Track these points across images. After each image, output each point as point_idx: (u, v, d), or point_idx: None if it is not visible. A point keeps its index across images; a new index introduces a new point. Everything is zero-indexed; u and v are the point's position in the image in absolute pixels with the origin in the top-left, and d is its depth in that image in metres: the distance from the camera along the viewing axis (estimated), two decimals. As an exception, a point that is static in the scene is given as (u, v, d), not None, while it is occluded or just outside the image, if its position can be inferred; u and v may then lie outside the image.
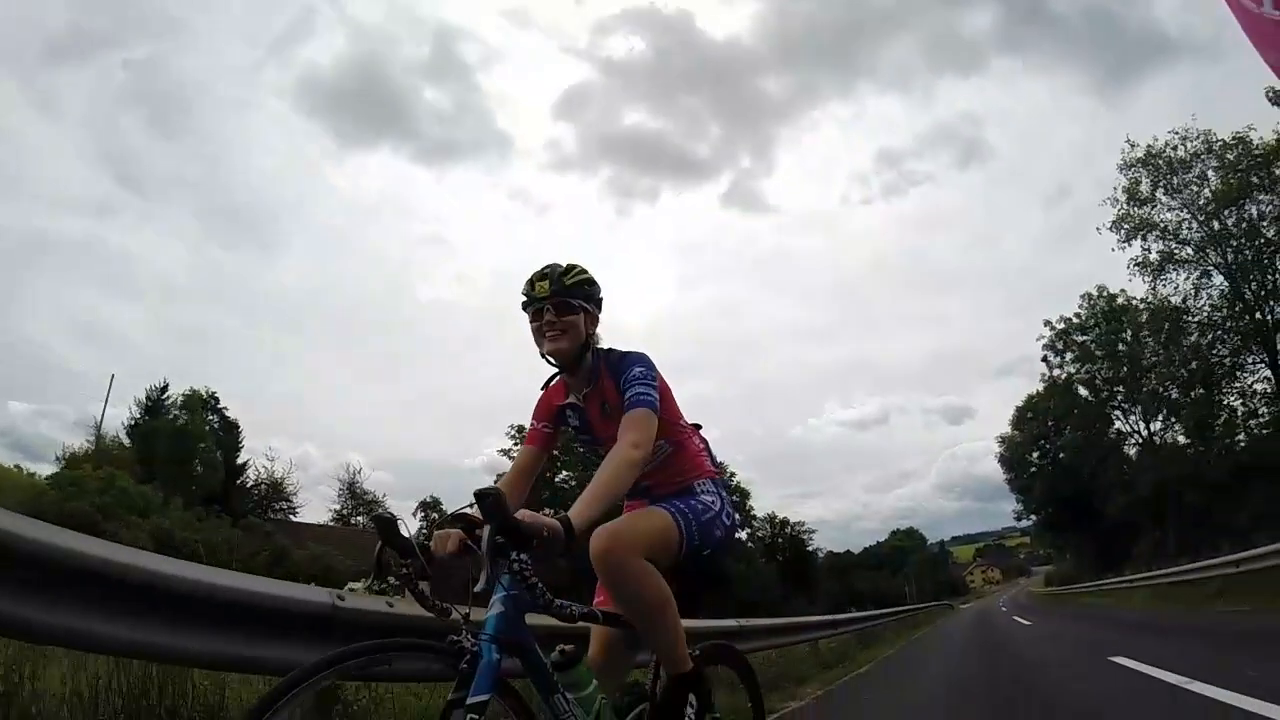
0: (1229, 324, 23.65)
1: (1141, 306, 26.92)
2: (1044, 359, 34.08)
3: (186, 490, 35.27)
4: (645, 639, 2.10)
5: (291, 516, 46.77)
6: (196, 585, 2.18)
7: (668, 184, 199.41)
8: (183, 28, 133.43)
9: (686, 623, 2.12)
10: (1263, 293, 22.71)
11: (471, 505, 1.65)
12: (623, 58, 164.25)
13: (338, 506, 54.23)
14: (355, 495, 54.23)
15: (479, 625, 1.66)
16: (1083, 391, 33.61)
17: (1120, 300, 29.67)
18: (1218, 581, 13.07)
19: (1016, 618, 18.78)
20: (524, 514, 1.62)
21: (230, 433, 46.25)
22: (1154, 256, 24.62)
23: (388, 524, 1.73)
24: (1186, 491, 24.00)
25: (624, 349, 2.33)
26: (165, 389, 47.21)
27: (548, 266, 2.30)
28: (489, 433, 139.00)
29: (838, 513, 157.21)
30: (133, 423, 44.31)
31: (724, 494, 2.36)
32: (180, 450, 39.67)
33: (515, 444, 41.06)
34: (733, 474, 49.35)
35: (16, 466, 33.53)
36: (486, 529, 1.60)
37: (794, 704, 6.51)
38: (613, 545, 1.88)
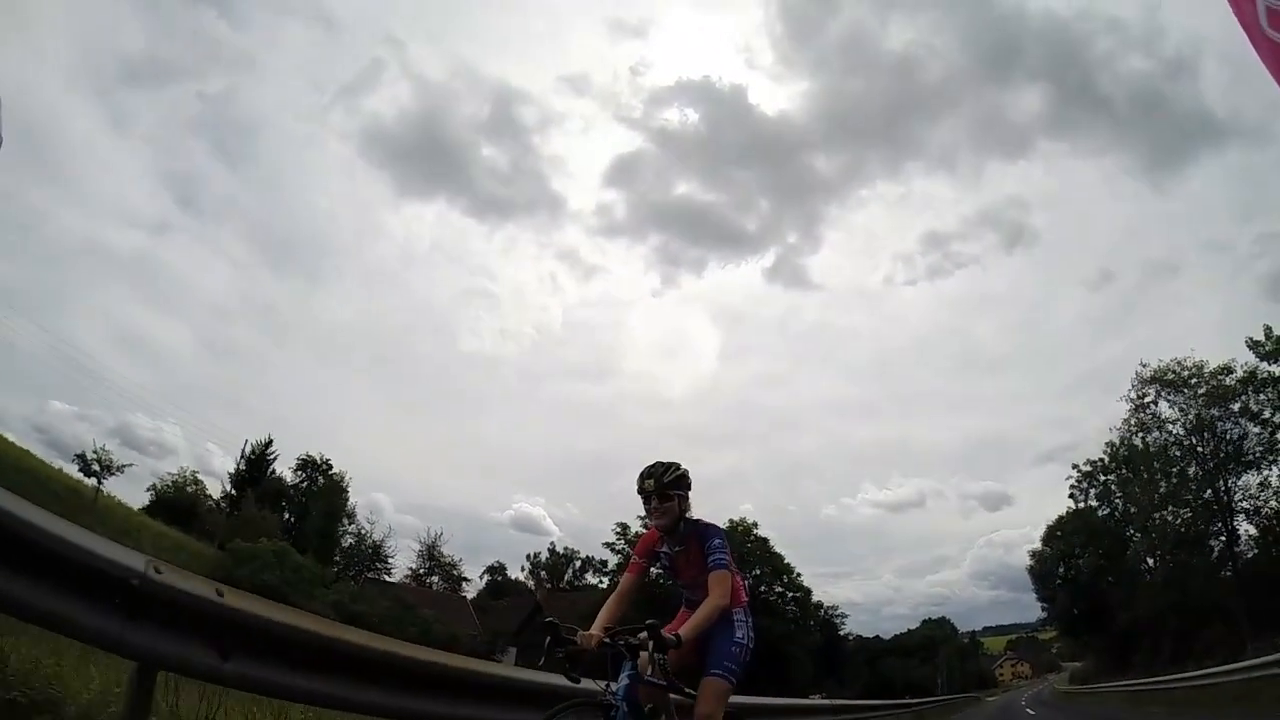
0: (1198, 501, 32.89)
1: (1150, 460, 36.00)
2: (1070, 495, 43.27)
3: (329, 557, 43.75)
4: (697, 709, 3.66)
5: (386, 577, 55.26)
6: (452, 670, 4.16)
7: (714, 255, 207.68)
8: (257, 67, 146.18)
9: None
10: (1223, 486, 31.93)
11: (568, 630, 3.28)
12: (676, 129, 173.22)
13: (414, 565, 62.71)
14: (434, 558, 62.82)
15: (613, 691, 3.20)
16: (1102, 513, 42.38)
17: (1138, 445, 38.12)
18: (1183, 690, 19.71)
19: (1028, 710, 26.84)
20: (643, 635, 3.19)
21: (339, 495, 55.18)
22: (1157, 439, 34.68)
23: (554, 626, 3.24)
24: (1170, 618, 32.32)
25: (707, 521, 3.95)
26: (269, 444, 56.35)
27: (654, 466, 3.86)
28: (517, 489, 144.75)
29: (868, 596, 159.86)
30: (240, 476, 53.21)
31: (750, 619, 3.96)
32: (328, 523, 48.67)
33: (619, 537, 47.18)
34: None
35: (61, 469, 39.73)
36: (640, 636, 3.18)
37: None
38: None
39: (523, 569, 77.22)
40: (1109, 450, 40.21)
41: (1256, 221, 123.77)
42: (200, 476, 53.93)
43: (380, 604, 36.83)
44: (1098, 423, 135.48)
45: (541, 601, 50.85)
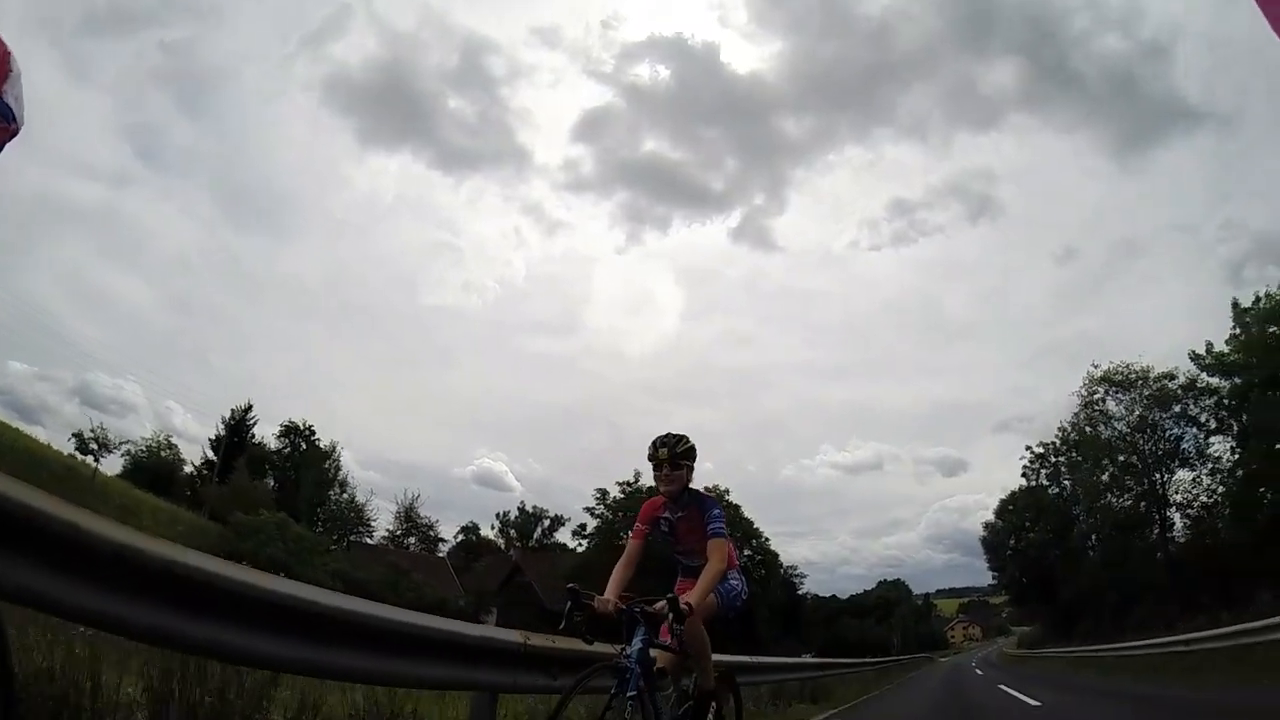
0: (1138, 490, 36.71)
1: (1096, 450, 39.64)
2: (1023, 474, 47.48)
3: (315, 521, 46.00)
4: (694, 665, 4.10)
5: (367, 539, 57.60)
6: (432, 631, 4.02)
7: (680, 214, 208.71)
8: (221, 15, 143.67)
9: (715, 656, 4.16)
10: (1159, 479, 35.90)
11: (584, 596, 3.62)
12: (646, 85, 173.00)
13: (390, 527, 64.94)
14: (412, 520, 65.32)
15: (628, 654, 3.49)
16: (1052, 492, 46.30)
17: (1087, 432, 41.67)
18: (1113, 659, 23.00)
19: (977, 670, 30.35)
20: (659, 604, 3.58)
21: (330, 463, 57.16)
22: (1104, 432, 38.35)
23: (575, 592, 3.57)
24: (1108, 593, 36.24)
25: (704, 491, 4.37)
26: (249, 410, 57.87)
27: (666, 436, 4.24)
28: (480, 444, 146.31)
29: (825, 555, 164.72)
30: (223, 442, 54.23)
31: (742, 579, 4.42)
32: (319, 492, 50.88)
33: (599, 503, 49.83)
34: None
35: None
36: (659, 606, 3.57)
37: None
38: (693, 616, 3.67)
39: (493, 527, 79.45)
40: (1060, 434, 43.96)
41: (1222, 207, 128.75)
42: (173, 440, 55.07)
43: (376, 570, 39.11)
44: (1056, 395, 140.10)
45: (519, 562, 53.56)
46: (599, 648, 3.92)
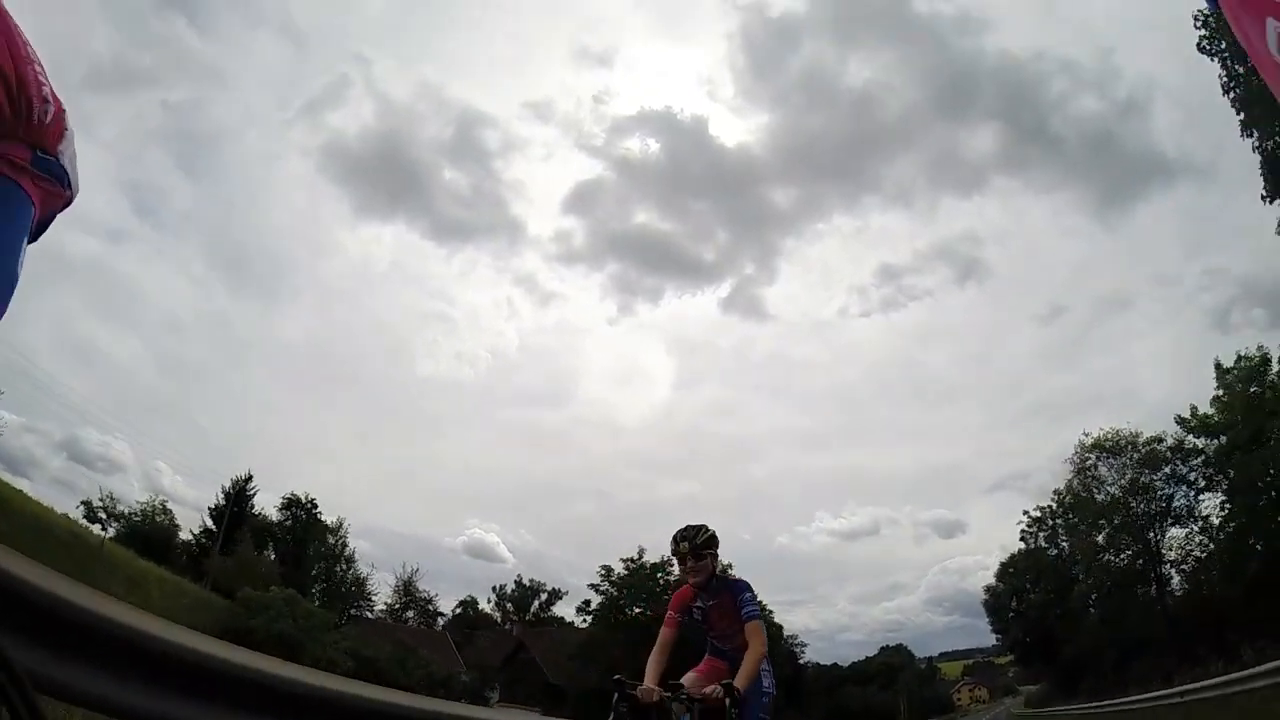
0: (1134, 549, 38.02)
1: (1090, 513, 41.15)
2: (1021, 537, 49.23)
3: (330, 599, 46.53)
4: None
5: (368, 614, 57.75)
6: None
7: (672, 284, 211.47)
8: (223, 78, 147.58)
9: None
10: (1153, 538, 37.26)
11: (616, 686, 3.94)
12: (637, 158, 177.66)
13: (388, 600, 64.95)
14: (410, 594, 65.56)
15: None
16: (1051, 554, 47.49)
17: (1083, 496, 43.10)
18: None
19: None
20: (711, 689, 3.86)
21: (338, 539, 57.62)
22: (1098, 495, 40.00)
23: (621, 683, 3.81)
24: (1108, 650, 37.15)
25: (735, 576, 4.68)
26: (249, 479, 58.17)
27: (686, 530, 4.54)
28: (471, 514, 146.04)
29: (824, 623, 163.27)
30: (224, 513, 54.34)
31: (772, 669, 4.50)
32: (330, 569, 51.44)
33: (604, 579, 48.65)
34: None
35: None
36: (714, 692, 3.83)
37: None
38: None
39: (489, 600, 79.97)
40: (1056, 497, 45.61)
41: (1202, 256, 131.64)
42: (168, 505, 54.39)
43: (384, 647, 39.58)
44: (1049, 452, 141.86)
45: (522, 638, 53.92)
46: None
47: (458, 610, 74.75)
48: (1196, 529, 36.29)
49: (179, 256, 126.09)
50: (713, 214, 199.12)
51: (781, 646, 66.76)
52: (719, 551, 4.62)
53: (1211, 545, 34.91)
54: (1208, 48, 22.74)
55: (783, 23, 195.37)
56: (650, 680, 4.12)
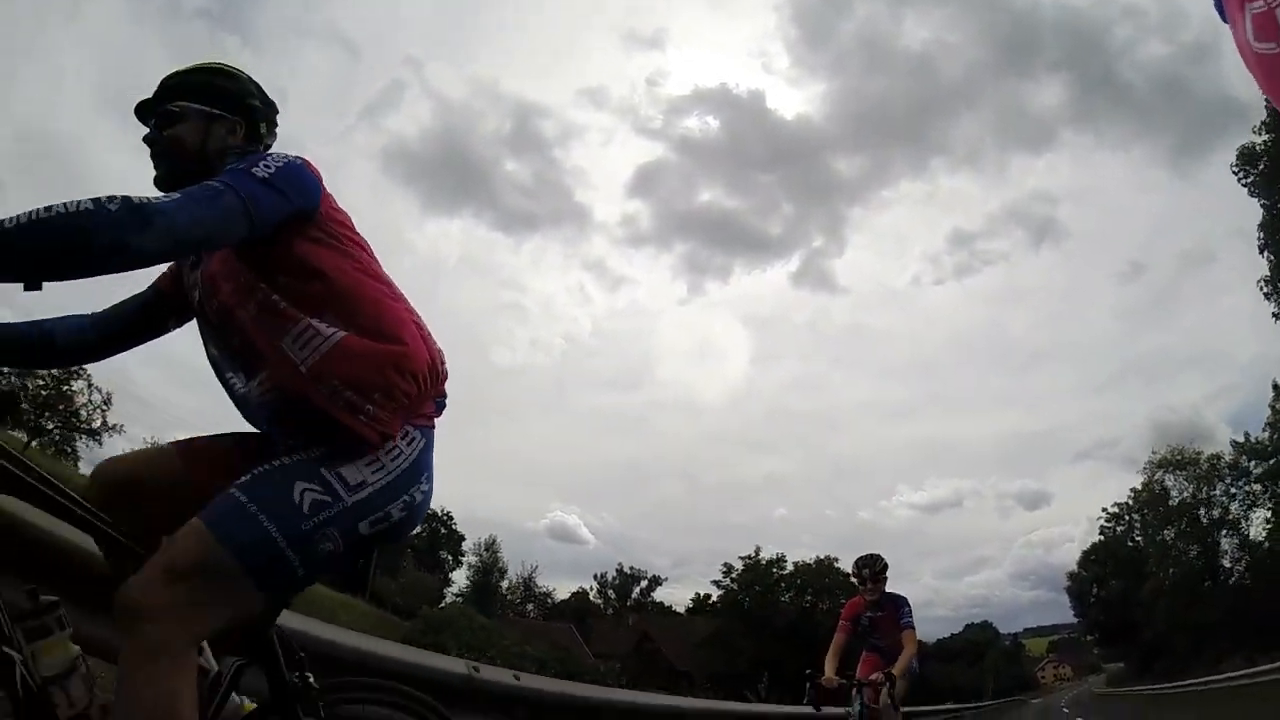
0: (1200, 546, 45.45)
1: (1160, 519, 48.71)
2: (1100, 531, 57.35)
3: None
4: (895, 717, 5.74)
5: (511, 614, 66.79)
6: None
7: (740, 261, 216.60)
8: (280, 95, 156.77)
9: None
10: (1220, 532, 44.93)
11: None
12: (696, 137, 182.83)
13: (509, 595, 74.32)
14: (530, 589, 74.97)
15: (850, 714, 5.60)
16: (1129, 544, 55.05)
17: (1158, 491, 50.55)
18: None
19: (1064, 709, 38.41)
20: (875, 676, 5.76)
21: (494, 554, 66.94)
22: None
23: (812, 675, 5.45)
24: (1179, 636, 44.70)
25: (897, 593, 6.32)
26: None
27: (869, 558, 6.44)
28: (552, 498, 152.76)
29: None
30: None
31: (917, 662, 6.03)
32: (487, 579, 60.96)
33: (725, 575, 58.26)
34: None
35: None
36: (879, 679, 5.70)
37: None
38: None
39: (591, 588, 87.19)
40: (1133, 494, 53.47)
41: None
42: None
43: (541, 647, 46.42)
44: (1137, 417, 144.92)
45: (648, 629, 62.45)
46: (826, 710, 6.03)
47: (567, 599, 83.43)
48: (1253, 528, 43.97)
49: None
50: (777, 187, 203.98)
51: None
52: (889, 576, 6.55)
53: (1249, 556, 42.77)
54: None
55: None
56: (829, 671, 5.89)
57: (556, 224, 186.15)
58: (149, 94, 2.02)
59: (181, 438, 2.15)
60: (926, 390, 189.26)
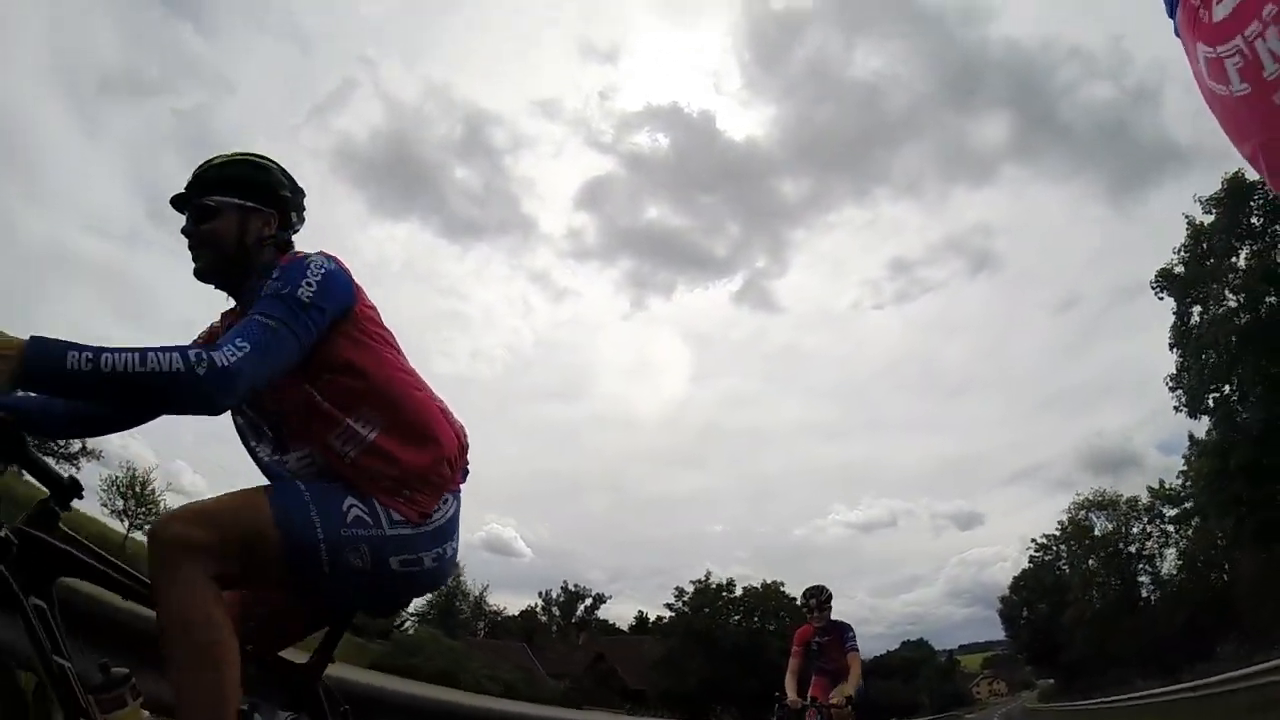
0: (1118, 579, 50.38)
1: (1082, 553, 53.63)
2: (1030, 560, 62.10)
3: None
4: None
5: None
6: None
7: (684, 278, 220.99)
8: (231, 86, 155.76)
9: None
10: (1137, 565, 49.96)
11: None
12: (646, 153, 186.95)
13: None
14: (481, 608, 77.26)
15: None
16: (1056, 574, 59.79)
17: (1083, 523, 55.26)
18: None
19: None
20: (837, 699, 6.39)
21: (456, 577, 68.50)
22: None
23: (780, 698, 6.47)
24: (1096, 658, 49.42)
25: (841, 620, 7.12)
26: None
27: (816, 589, 7.14)
28: (488, 510, 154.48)
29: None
30: None
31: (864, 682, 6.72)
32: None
33: (677, 598, 61.60)
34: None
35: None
36: (840, 703, 6.35)
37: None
38: None
39: (536, 605, 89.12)
40: (1059, 527, 58.06)
41: None
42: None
43: (505, 668, 46.45)
44: (1067, 443, 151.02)
45: (603, 650, 65.44)
46: None
47: (515, 616, 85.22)
48: (1166, 565, 48.91)
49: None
50: (723, 207, 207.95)
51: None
52: (832, 605, 7.30)
53: (1159, 592, 47.94)
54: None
55: (788, 13, 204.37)
56: (791, 693, 6.68)
57: (502, 233, 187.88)
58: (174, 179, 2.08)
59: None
60: (863, 411, 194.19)
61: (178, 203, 2.18)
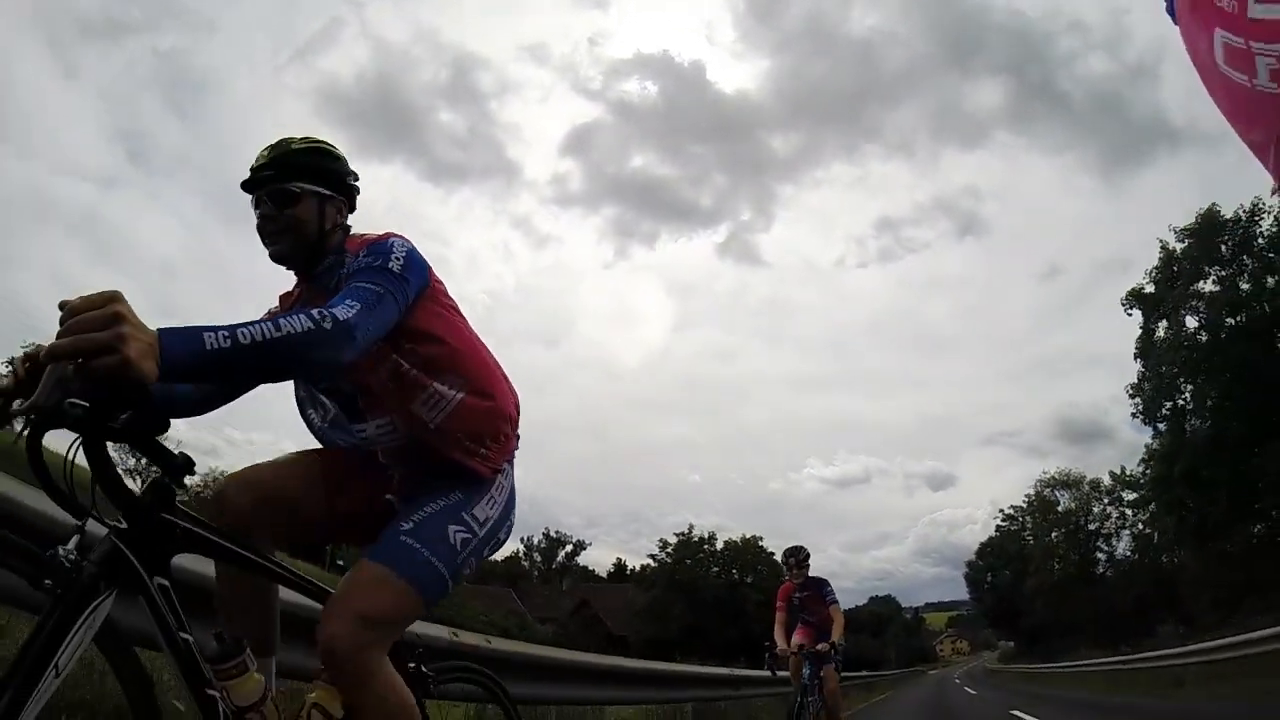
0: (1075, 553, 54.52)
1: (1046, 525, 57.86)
2: (996, 529, 66.60)
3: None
4: (834, 680, 7.41)
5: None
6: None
7: (667, 228, 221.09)
8: (214, 26, 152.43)
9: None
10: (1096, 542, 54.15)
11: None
12: (634, 102, 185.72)
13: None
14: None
15: (804, 679, 7.19)
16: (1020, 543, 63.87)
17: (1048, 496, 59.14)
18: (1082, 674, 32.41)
19: (956, 680, 45.68)
20: (822, 646, 7.27)
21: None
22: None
23: (771, 646, 7.42)
24: (1053, 626, 53.72)
25: (819, 576, 7.85)
26: None
27: (796, 549, 8.04)
28: None
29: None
30: None
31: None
32: None
33: (661, 549, 65.35)
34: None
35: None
36: (824, 648, 7.29)
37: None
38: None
39: (519, 552, 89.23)
40: (1026, 499, 62.36)
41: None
42: None
43: (498, 615, 47.43)
44: (1043, 410, 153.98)
45: (586, 597, 68.89)
46: (780, 674, 7.73)
47: (499, 561, 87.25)
48: (1122, 545, 52.95)
49: (174, 202, 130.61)
50: (710, 159, 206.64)
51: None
52: (810, 563, 7.96)
53: (1113, 570, 52.35)
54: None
55: None
56: (781, 642, 7.42)
57: (486, 178, 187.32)
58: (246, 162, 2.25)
59: (303, 449, 2.42)
60: (842, 368, 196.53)
61: (251, 185, 2.25)
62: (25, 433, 1.50)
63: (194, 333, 1.50)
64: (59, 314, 1.37)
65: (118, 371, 1.34)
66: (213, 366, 1.55)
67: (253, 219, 2.25)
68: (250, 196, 2.25)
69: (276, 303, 2.44)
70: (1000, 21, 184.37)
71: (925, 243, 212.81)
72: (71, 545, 1.47)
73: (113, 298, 1.37)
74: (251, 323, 1.59)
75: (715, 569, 64.90)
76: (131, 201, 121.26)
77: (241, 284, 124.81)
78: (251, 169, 2.25)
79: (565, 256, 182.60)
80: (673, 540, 64.84)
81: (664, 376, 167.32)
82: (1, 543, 1.41)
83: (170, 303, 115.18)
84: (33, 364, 1.59)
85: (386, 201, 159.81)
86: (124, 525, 1.63)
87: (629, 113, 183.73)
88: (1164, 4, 2.06)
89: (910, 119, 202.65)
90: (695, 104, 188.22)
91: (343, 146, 2.37)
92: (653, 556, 65.80)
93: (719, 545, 65.74)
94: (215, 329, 1.53)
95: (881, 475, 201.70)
